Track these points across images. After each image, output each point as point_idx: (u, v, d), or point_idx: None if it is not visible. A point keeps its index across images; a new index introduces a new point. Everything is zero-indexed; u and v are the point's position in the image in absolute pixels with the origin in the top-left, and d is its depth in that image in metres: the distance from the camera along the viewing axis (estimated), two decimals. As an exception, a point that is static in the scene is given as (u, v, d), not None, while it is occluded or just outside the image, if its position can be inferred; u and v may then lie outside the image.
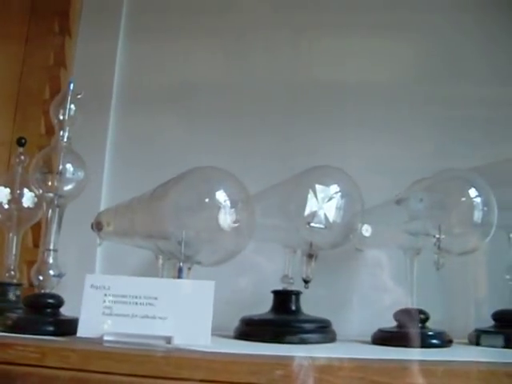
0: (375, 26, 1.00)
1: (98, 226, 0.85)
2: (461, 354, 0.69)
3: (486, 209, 0.70)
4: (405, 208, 0.77)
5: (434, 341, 0.72)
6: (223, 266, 0.80)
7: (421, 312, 0.74)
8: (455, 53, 0.97)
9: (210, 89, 1.00)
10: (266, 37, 1.03)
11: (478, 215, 0.70)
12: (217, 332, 0.76)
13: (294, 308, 0.76)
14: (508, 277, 0.77)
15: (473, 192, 0.71)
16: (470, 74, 0.95)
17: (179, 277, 0.73)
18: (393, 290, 0.79)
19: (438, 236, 0.71)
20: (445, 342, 0.73)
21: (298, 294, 0.77)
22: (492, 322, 0.76)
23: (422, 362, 0.58)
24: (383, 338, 0.73)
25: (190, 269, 0.74)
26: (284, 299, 0.76)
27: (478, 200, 0.70)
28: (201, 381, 0.56)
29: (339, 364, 0.56)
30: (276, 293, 0.77)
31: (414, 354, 0.65)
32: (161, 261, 0.77)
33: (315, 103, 0.97)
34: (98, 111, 0.99)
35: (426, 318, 0.74)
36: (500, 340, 0.73)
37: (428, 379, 0.54)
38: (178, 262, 0.73)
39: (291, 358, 0.57)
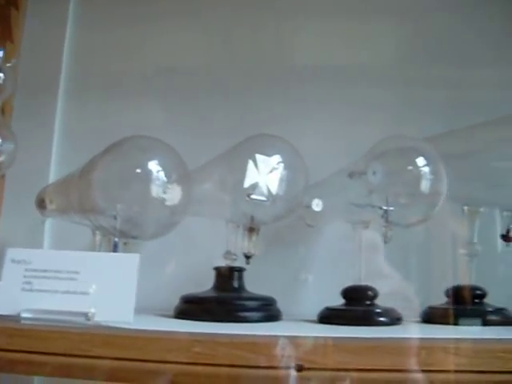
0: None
1: (40, 204, 0.82)
2: (404, 331, 0.66)
3: (433, 178, 0.66)
4: (358, 181, 0.73)
5: (382, 318, 0.69)
6: (169, 243, 0.78)
7: (368, 289, 0.71)
8: (418, 29, 0.93)
9: (162, 71, 0.96)
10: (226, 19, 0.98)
11: (425, 184, 0.66)
12: (160, 311, 0.74)
13: (236, 285, 0.72)
14: (463, 251, 0.73)
15: (420, 161, 0.66)
16: (430, 50, 0.91)
17: (114, 252, 0.70)
18: (345, 267, 0.75)
19: (385, 208, 0.67)
20: (393, 319, 0.69)
21: (240, 270, 0.73)
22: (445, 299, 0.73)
23: (348, 339, 0.55)
24: (329, 316, 0.69)
25: (126, 244, 0.71)
26: (226, 276, 0.72)
27: (426, 169, 0.66)
28: (115, 358, 0.53)
29: (263, 341, 0.53)
30: (218, 269, 0.73)
31: (354, 331, 0.61)
32: (98, 237, 0.74)
33: (276, 81, 0.93)
34: (46, 90, 0.95)
35: (375, 295, 0.71)
36: (452, 317, 0.70)
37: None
38: (113, 237, 0.70)
39: (211, 335, 0.54)
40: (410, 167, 0.66)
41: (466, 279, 0.73)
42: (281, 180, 0.70)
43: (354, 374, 0.51)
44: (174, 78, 0.96)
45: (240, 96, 0.93)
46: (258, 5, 0.97)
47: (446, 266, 0.75)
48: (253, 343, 0.52)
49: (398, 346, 0.52)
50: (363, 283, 0.71)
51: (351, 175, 0.74)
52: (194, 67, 0.96)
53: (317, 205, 0.74)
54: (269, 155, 0.70)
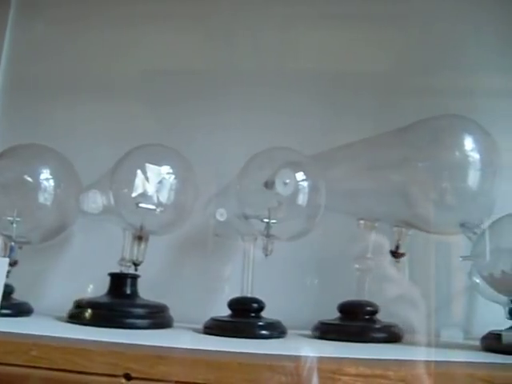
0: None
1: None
2: (279, 346, 0.65)
3: (311, 191, 0.65)
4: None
5: (264, 331, 0.68)
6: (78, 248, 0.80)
7: (255, 301, 0.71)
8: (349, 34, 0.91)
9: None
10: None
11: (302, 198, 0.65)
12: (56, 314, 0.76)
13: (128, 292, 0.74)
14: (357, 266, 0.72)
15: (299, 176, 0.66)
16: (355, 53, 0.89)
17: (9, 256, 0.72)
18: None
19: (267, 220, 0.67)
20: (277, 332, 0.69)
21: (134, 277, 0.74)
22: (338, 314, 0.71)
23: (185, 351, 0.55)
24: (213, 327, 0.70)
25: (21, 248, 0.74)
26: (119, 282, 0.74)
27: (304, 184, 0.66)
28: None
29: (95, 348, 0.54)
30: (111, 276, 0.74)
31: (232, 343, 0.62)
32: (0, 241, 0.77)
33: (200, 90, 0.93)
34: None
35: (261, 308, 0.70)
36: (343, 333, 0.69)
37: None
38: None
39: (48, 339, 0.56)
40: (288, 180, 0.66)
41: (359, 294, 0.72)
42: (170, 189, 0.71)
43: (180, 387, 0.52)
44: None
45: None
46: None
47: (341, 281, 0.73)
48: (84, 350, 0.54)
49: (228, 361, 0.52)
50: (249, 295, 0.71)
51: (266, 185, 0.73)
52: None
53: (221, 215, 0.75)
54: (159, 165, 0.71)
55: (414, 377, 0.51)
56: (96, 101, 0.96)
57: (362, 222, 0.72)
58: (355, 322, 0.70)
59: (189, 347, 0.57)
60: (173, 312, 0.75)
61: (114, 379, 0.52)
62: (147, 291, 0.76)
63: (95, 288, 0.79)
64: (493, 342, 0.63)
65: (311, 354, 0.55)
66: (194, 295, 0.79)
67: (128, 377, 0.52)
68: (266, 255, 0.68)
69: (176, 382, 0.52)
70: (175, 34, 0.98)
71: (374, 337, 0.69)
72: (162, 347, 0.56)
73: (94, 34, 0.99)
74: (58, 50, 0.99)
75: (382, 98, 0.86)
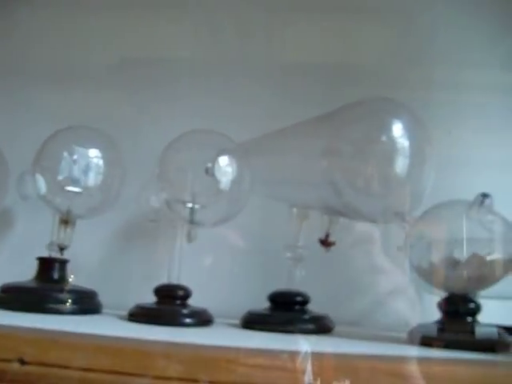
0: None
1: None
2: (198, 334, 0.63)
3: (236, 177, 0.63)
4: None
5: (189, 319, 0.67)
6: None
7: (181, 288, 0.69)
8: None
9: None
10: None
11: (225, 183, 0.63)
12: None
13: (56, 277, 0.72)
14: (288, 255, 0.70)
15: (222, 160, 0.64)
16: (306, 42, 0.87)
17: None
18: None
19: (190, 206, 0.65)
20: (202, 321, 0.67)
21: (63, 262, 0.73)
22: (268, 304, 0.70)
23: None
24: (137, 314, 0.68)
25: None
26: (47, 267, 0.72)
27: (228, 169, 0.64)
28: None
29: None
30: (40, 260, 0.73)
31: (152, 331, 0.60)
32: None
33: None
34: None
35: (187, 295, 0.69)
36: (275, 323, 0.67)
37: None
38: None
39: None
40: (210, 165, 0.64)
41: (289, 284, 0.70)
42: (97, 173, 0.69)
43: (74, 373, 0.50)
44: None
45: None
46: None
47: (272, 270, 0.71)
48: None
49: (122, 347, 0.51)
50: (176, 282, 0.69)
51: (207, 171, 0.71)
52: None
53: (155, 200, 0.73)
54: (86, 147, 0.69)
55: (318, 368, 0.49)
56: (72, 87, 0.95)
57: (294, 209, 0.70)
58: (284, 312, 0.69)
59: (89, 332, 0.55)
60: (106, 298, 0.74)
61: (7, 364, 0.51)
62: (84, 277, 0.75)
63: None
64: (417, 335, 0.61)
65: (210, 343, 0.54)
66: (128, 282, 0.77)
67: (22, 361, 0.51)
68: (189, 242, 0.66)
69: (69, 367, 0.50)
70: (155, 22, 0.96)
71: (302, 328, 0.67)
72: (59, 332, 0.54)
73: (71, 20, 0.97)
74: (36, 37, 0.98)
75: (330, 86, 0.84)
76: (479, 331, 0.61)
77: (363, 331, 0.69)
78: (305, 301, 0.69)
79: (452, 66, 0.84)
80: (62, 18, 0.97)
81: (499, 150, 0.79)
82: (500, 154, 0.80)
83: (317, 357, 0.51)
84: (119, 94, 0.93)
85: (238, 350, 0.52)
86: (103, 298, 0.74)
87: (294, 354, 0.52)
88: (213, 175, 0.67)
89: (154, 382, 0.49)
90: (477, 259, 0.59)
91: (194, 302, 0.69)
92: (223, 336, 0.63)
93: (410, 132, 0.61)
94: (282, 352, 0.52)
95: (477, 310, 0.62)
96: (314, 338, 0.64)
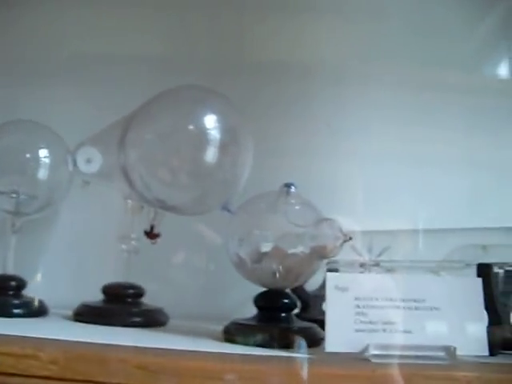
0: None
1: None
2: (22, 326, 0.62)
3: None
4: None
5: (17, 310, 0.66)
6: None
7: (13, 279, 0.68)
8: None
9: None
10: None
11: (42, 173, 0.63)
12: None
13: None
14: (124, 247, 0.69)
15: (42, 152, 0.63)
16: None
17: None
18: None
19: (14, 195, 0.65)
20: (32, 312, 0.67)
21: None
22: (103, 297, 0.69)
23: None
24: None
25: None
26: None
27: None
28: None
29: None
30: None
31: None
32: None
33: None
34: None
35: (22, 285, 0.68)
36: (106, 315, 0.66)
37: None
38: None
39: None
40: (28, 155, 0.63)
41: (124, 276, 0.68)
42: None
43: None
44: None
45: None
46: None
47: (108, 262, 0.70)
48: None
49: None
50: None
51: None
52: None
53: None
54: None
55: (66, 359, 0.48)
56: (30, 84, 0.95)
57: (129, 201, 0.68)
58: (117, 304, 0.68)
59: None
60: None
61: None
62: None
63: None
64: (233, 331, 0.59)
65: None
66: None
67: None
68: (14, 232, 0.65)
69: None
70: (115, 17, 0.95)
71: (133, 321, 0.66)
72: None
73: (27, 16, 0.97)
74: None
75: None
76: (292, 327, 0.59)
77: (196, 325, 0.67)
78: (138, 293, 0.68)
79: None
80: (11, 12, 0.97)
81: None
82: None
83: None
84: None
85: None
86: None
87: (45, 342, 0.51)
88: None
89: None
90: (278, 252, 0.57)
91: (29, 292, 0.68)
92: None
93: (223, 122, 0.59)
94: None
95: (292, 305, 0.60)
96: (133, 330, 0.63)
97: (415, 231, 0.71)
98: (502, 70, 0.85)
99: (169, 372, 0.47)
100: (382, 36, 0.83)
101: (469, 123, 0.80)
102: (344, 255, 0.63)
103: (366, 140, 0.81)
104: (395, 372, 0.48)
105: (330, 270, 0.60)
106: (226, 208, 0.62)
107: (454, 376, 0.49)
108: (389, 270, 0.61)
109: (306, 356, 0.53)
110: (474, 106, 0.79)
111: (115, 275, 0.68)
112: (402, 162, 0.77)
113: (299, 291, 0.67)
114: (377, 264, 0.63)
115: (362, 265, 0.64)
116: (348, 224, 0.61)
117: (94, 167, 0.66)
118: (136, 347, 0.52)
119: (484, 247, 0.67)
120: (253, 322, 0.59)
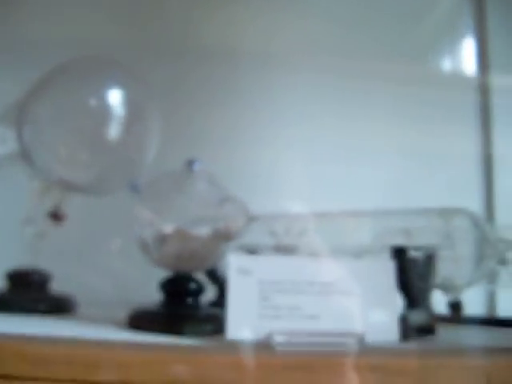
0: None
1: None
2: None
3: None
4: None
5: None
6: None
7: None
8: None
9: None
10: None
11: None
12: None
13: None
14: (30, 230, 0.65)
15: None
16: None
17: None
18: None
19: None
20: None
21: None
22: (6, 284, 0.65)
23: None
24: None
25: None
26: None
27: None
28: None
29: None
30: None
31: None
32: None
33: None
34: None
35: None
36: (9, 303, 0.62)
37: None
38: None
39: None
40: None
41: (31, 261, 0.65)
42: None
43: None
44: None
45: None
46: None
47: (13, 246, 0.66)
48: None
49: None
50: None
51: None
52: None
53: None
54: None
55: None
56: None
57: (36, 182, 0.64)
58: (21, 291, 0.64)
59: None
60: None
61: None
62: None
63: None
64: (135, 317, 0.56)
65: None
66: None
67: None
68: None
69: None
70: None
71: (37, 307, 0.62)
72: None
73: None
74: None
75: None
76: (194, 313, 0.56)
77: (103, 312, 0.63)
78: (43, 279, 0.64)
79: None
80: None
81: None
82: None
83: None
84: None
85: None
86: None
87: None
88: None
89: None
90: (181, 234, 0.54)
91: None
92: None
93: (124, 95, 0.56)
94: None
95: (198, 290, 0.57)
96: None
97: (336, 215, 0.68)
98: (433, 61, 0.84)
99: (60, 360, 0.44)
100: (312, 23, 0.81)
101: (396, 112, 0.78)
102: (261, 239, 0.61)
103: (293, 127, 0.78)
104: (298, 360, 0.46)
105: (237, 254, 0.57)
106: (133, 188, 0.59)
107: (358, 363, 0.47)
108: (295, 253, 0.58)
109: (201, 343, 0.50)
110: (401, 96, 0.78)
111: (21, 261, 0.64)
112: (328, 148, 0.75)
113: (215, 277, 0.65)
114: (292, 248, 0.60)
115: (276, 248, 0.61)
116: (267, 207, 0.59)
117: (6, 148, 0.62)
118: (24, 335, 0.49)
119: (407, 231, 0.65)
120: (156, 309, 0.56)
